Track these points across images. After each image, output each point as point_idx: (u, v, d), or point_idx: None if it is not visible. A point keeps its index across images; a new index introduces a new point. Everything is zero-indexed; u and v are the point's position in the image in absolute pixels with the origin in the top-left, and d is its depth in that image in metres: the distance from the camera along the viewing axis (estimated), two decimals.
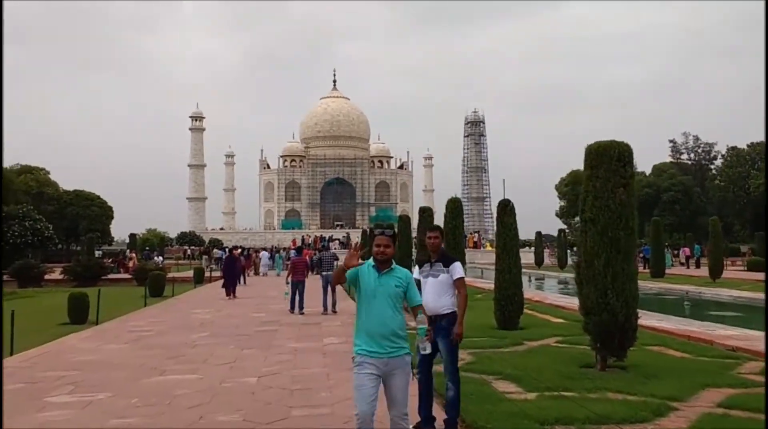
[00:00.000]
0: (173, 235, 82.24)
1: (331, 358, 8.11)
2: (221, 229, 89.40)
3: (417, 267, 5.55)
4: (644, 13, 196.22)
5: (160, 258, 37.62)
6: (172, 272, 34.50)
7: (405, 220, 22.73)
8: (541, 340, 9.54)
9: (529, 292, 18.64)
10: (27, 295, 22.11)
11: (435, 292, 5.23)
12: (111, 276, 30.89)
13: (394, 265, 3.88)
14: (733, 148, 73.39)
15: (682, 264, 36.02)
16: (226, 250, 34.78)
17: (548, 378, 6.82)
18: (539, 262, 40.23)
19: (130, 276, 29.40)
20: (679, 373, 7.06)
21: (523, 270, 37.70)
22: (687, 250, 37.31)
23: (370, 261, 3.84)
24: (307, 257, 21.50)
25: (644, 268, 36.62)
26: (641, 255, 38.51)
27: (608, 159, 7.13)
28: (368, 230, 36.27)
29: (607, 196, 7.06)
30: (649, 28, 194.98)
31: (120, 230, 64.91)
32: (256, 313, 13.57)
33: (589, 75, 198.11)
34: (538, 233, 42.57)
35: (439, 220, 20.86)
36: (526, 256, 47.83)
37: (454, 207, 14.70)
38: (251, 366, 7.51)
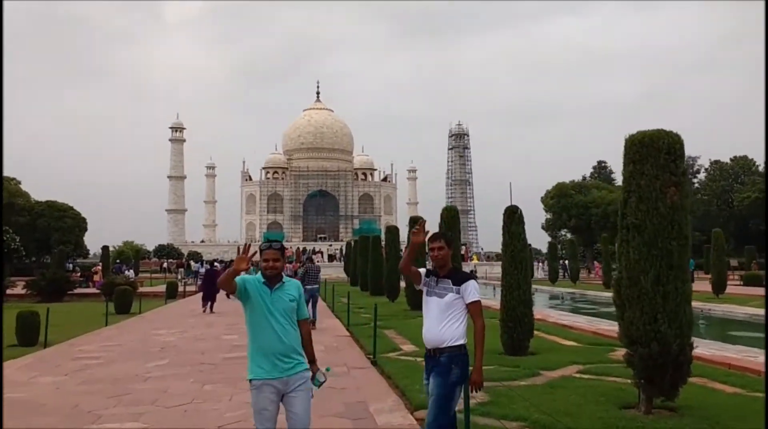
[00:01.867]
0: (152, 247, 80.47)
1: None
2: (202, 241, 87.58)
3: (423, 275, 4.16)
4: (628, 30, 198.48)
5: (130, 271, 35.61)
6: (145, 286, 32.81)
7: (393, 231, 21.34)
8: (560, 369, 8.14)
9: None
10: None
11: (438, 316, 3.96)
12: (78, 291, 28.97)
13: (284, 278, 3.73)
14: (716, 162, 73.35)
15: None
16: (206, 263, 33.09)
17: (587, 426, 5.41)
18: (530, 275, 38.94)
19: (98, 290, 27.54)
20: (742, 416, 5.70)
21: (492, 282, 35.99)
22: None
23: (258, 276, 3.65)
24: (289, 269, 20.07)
25: None
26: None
27: (656, 152, 5.78)
28: (351, 243, 34.72)
29: (656, 198, 5.71)
30: (632, 45, 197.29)
31: (97, 243, 62.96)
32: (228, 335, 12.00)
33: (573, 90, 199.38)
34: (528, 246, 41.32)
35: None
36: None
37: (450, 216, 13.36)
38: (211, 410, 5.97)
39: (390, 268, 20.90)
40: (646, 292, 5.66)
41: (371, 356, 9.18)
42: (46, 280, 26.51)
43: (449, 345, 3.92)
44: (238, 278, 3.48)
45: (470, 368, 3.97)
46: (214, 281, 19.17)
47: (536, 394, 6.60)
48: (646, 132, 5.93)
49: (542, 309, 19.69)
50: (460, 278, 4.00)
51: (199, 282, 27.75)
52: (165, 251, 73.59)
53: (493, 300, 21.41)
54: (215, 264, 28.32)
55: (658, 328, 5.60)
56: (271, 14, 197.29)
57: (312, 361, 3.70)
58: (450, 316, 3.95)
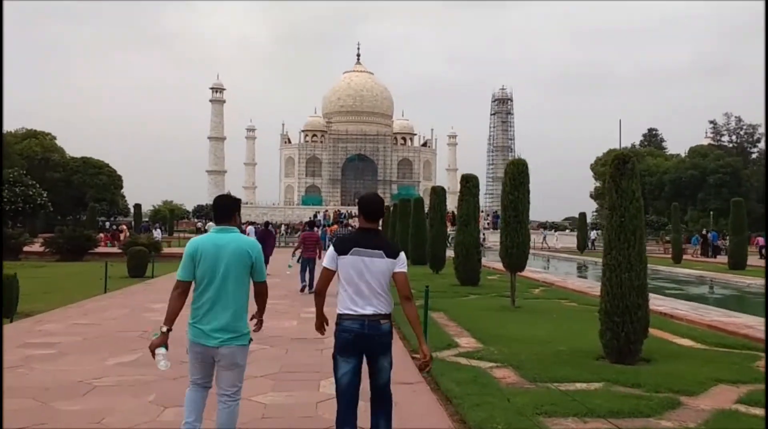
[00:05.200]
0: (191, 208, 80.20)
1: None
2: (244, 203, 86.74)
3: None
4: None
5: (157, 231, 33.88)
6: (172, 247, 30.98)
7: (439, 192, 18.54)
8: (704, 394, 5.41)
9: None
10: None
11: None
12: (102, 249, 27.27)
13: None
14: None
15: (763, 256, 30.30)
16: (260, 224, 29.87)
17: None
18: (582, 246, 35.80)
19: (120, 250, 25.74)
20: None
21: (560, 254, 32.84)
22: (761, 239, 32.54)
23: None
24: (319, 232, 17.71)
25: (710, 255, 32.02)
26: (701, 241, 33.90)
27: None
28: (390, 207, 32.21)
29: None
30: (686, 10, 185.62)
31: (138, 202, 62.30)
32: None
33: (620, 57, 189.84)
34: (582, 214, 38.06)
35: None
36: (563, 240, 43.51)
37: (518, 172, 10.58)
38: None
39: (435, 234, 18.23)
40: None
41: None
42: (65, 238, 24.80)
43: None
44: None
45: None
46: (267, 243, 17.30)
47: None
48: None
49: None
50: None
51: None
52: (203, 212, 72.59)
53: (553, 275, 18.62)
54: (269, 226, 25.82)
55: None
56: None
57: None
58: None
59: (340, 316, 3.49)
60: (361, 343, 3.46)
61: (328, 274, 3.54)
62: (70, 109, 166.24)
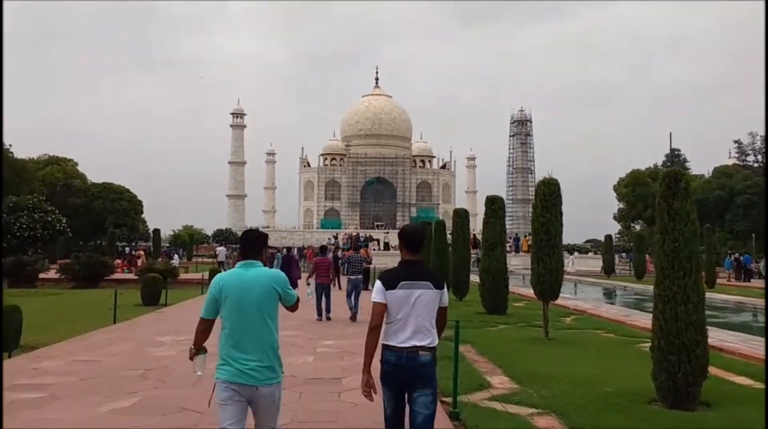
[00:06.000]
0: (210, 232, 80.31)
1: None
2: (265, 227, 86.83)
3: None
4: (696, 13, 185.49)
5: (176, 257, 33.45)
6: (190, 272, 30.53)
7: (461, 214, 17.83)
8: None
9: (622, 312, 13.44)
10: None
11: None
12: (118, 276, 26.88)
13: None
14: None
15: None
16: (284, 249, 29.67)
17: None
18: (609, 270, 34.57)
19: (136, 277, 25.33)
20: None
21: (586, 278, 31.28)
22: None
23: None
24: (331, 257, 17.25)
25: (743, 279, 30.80)
26: (735, 263, 32.59)
27: None
28: None
29: None
30: (700, 28, 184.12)
31: (158, 226, 62.12)
32: None
33: (639, 75, 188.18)
34: (608, 237, 36.90)
35: (480, 221, 16.63)
36: (585, 263, 41.90)
37: (550, 192, 9.87)
38: None
39: (458, 258, 17.48)
40: None
41: (448, 400, 5.83)
42: (81, 264, 24.44)
43: None
44: None
45: None
46: (291, 268, 17.43)
47: None
48: None
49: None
50: None
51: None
52: (223, 236, 72.53)
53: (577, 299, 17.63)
54: (292, 250, 25.48)
55: None
56: (331, 2, 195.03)
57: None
58: None
59: (384, 347, 3.53)
60: (399, 375, 3.46)
61: (381, 309, 3.53)
62: (92, 135, 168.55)
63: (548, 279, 9.86)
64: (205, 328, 3.53)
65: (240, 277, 3.48)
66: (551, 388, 6.46)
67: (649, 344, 9.14)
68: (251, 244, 3.62)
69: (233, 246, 47.57)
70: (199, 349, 3.53)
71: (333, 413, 5.61)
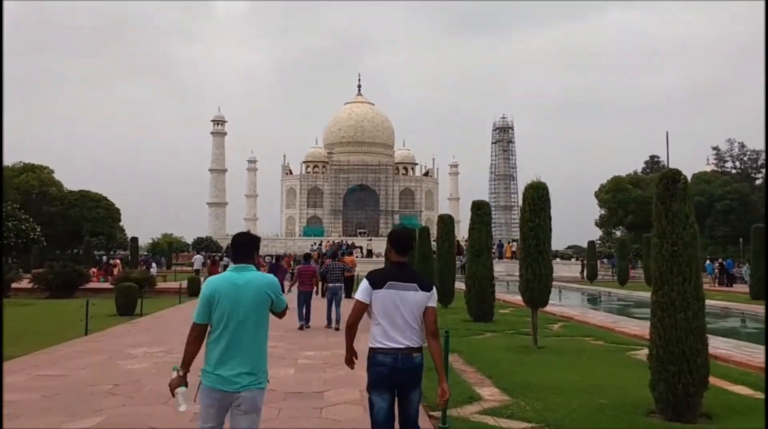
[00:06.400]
0: (191, 240, 79.22)
1: None
2: None
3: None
4: (678, 22, 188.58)
5: (154, 266, 32.69)
6: (168, 281, 29.87)
7: (446, 220, 17.53)
8: None
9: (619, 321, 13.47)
10: None
11: None
12: (93, 285, 26.15)
13: None
14: None
15: None
16: (273, 257, 29.14)
17: None
18: (592, 276, 34.51)
19: (112, 286, 24.63)
20: None
21: (570, 284, 31.19)
22: None
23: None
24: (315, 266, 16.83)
25: (726, 283, 31.01)
26: (717, 268, 32.79)
27: None
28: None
29: None
30: (683, 37, 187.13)
31: (139, 235, 60.72)
32: None
33: (619, 84, 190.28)
34: (591, 243, 36.88)
35: (463, 227, 16.27)
36: (568, 269, 41.99)
37: (538, 196, 9.62)
38: None
39: (442, 264, 17.17)
40: None
41: (436, 414, 5.48)
42: (55, 274, 23.72)
43: None
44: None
45: None
46: (278, 276, 16.93)
47: None
48: None
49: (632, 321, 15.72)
50: None
51: None
52: (203, 244, 71.52)
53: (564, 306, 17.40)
54: (278, 258, 25.02)
55: None
56: (315, 10, 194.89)
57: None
58: None
59: (373, 350, 3.51)
60: (395, 377, 3.47)
61: (362, 307, 3.55)
62: (68, 142, 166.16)
63: (537, 285, 9.58)
64: (198, 334, 3.38)
65: (233, 281, 3.39)
66: (545, 400, 6.14)
67: (639, 351, 8.96)
68: (243, 248, 3.53)
69: (213, 254, 46.83)
70: (186, 369, 3.36)
71: None
